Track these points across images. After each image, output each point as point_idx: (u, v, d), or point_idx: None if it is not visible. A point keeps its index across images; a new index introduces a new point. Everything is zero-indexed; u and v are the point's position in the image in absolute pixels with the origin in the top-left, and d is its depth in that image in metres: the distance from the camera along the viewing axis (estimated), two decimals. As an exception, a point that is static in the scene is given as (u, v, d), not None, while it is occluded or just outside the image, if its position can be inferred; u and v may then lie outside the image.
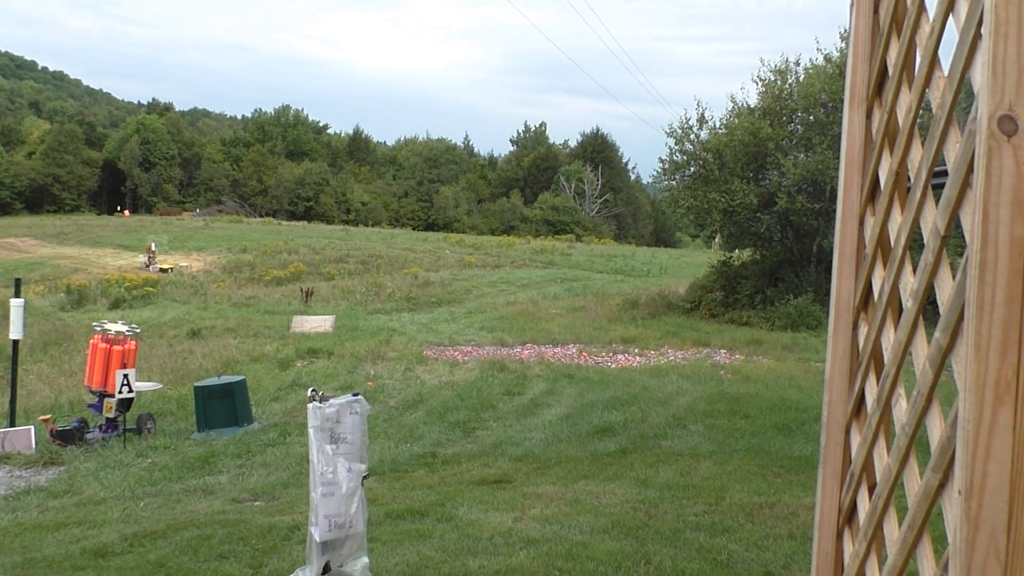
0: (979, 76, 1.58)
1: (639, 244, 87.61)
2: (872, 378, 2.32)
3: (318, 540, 5.50)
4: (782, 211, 24.69)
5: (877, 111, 2.44)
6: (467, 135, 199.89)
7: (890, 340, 2.16)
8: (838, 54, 25.77)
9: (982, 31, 1.58)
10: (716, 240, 39.17)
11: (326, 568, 5.58)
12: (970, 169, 1.61)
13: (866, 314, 2.44)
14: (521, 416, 13.16)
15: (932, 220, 1.86)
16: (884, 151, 2.32)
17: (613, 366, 18.20)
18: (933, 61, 1.99)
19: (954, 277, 1.69)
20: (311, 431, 5.54)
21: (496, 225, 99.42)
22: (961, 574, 1.54)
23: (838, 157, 2.59)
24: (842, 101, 2.59)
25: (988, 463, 1.49)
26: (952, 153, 1.76)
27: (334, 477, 5.53)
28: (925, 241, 1.89)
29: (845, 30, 18.64)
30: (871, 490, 2.27)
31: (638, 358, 19.37)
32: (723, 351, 20.32)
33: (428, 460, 10.67)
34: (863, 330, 2.43)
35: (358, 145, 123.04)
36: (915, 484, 1.89)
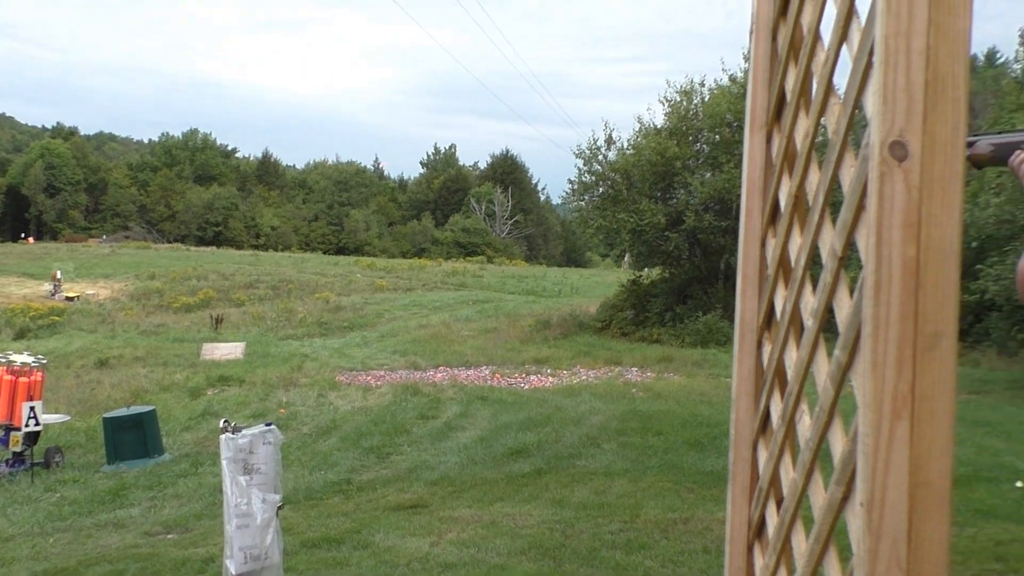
0: (871, 103, 1.64)
1: (550, 264, 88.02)
2: (777, 395, 2.38)
3: (234, 573, 5.41)
4: (690, 229, 25.05)
5: (776, 136, 2.51)
6: (377, 158, 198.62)
7: (793, 358, 2.22)
8: (742, 75, 26.29)
9: (874, 60, 1.63)
10: (626, 259, 39.55)
11: (240, 600, 5.50)
12: (864, 192, 1.66)
13: (769, 333, 2.50)
14: (436, 440, 13.11)
15: (830, 242, 1.92)
16: (784, 175, 2.39)
17: (526, 387, 18.22)
18: (829, 88, 2.05)
19: (852, 296, 1.74)
20: (224, 463, 5.46)
21: (407, 248, 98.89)
22: (865, 584, 1.58)
23: (743, 178, 2.66)
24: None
25: (888, 475, 1.54)
26: (847, 177, 1.82)
27: (248, 509, 5.46)
28: (823, 262, 1.95)
29: (748, 51, 18.99)
30: (779, 504, 2.32)
31: (551, 378, 19.42)
32: (635, 369, 20.51)
33: (343, 487, 10.57)
34: (767, 349, 2.49)
35: (267, 169, 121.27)
36: (820, 497, 1.94)
